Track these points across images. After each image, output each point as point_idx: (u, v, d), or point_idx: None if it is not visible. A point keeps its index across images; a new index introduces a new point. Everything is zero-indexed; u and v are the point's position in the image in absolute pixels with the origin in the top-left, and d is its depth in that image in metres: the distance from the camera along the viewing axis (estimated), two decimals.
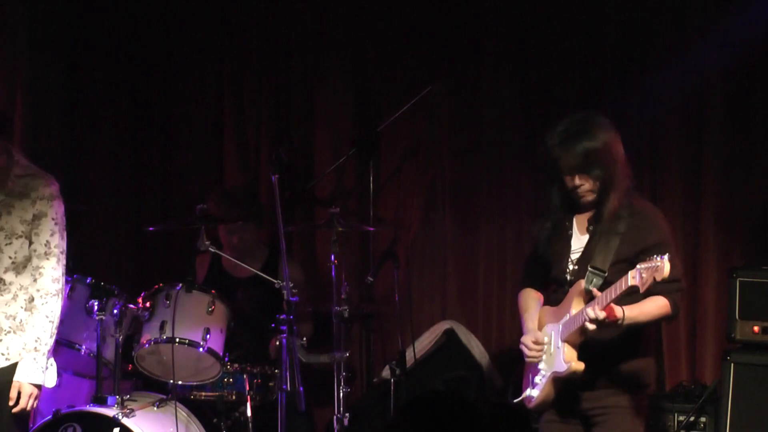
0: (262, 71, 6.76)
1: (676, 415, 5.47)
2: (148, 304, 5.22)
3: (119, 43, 6.86)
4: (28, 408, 4.54)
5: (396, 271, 5.67)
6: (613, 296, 4.21)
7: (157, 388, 5.43)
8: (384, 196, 6.54)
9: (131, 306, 5.18)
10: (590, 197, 4.45)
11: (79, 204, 6.12)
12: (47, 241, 4.55)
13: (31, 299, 4.55)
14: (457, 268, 6.47)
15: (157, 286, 5.28)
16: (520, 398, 4.54)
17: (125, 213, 6.79)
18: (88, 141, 6.85)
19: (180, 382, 5.29)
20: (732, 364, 5.22)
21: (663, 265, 4.05)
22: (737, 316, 5.28)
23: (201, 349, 5.19)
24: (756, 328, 5.24)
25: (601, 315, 4.21)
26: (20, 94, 6.43)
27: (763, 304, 5.25)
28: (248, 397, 5.39)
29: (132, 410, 5.04)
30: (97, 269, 5.62)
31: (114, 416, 4.97)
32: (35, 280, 4.55)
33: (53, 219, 4.57)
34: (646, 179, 5.95)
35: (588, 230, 4.48)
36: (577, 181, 4.41)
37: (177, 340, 5.15)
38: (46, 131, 6.60)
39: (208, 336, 5.20)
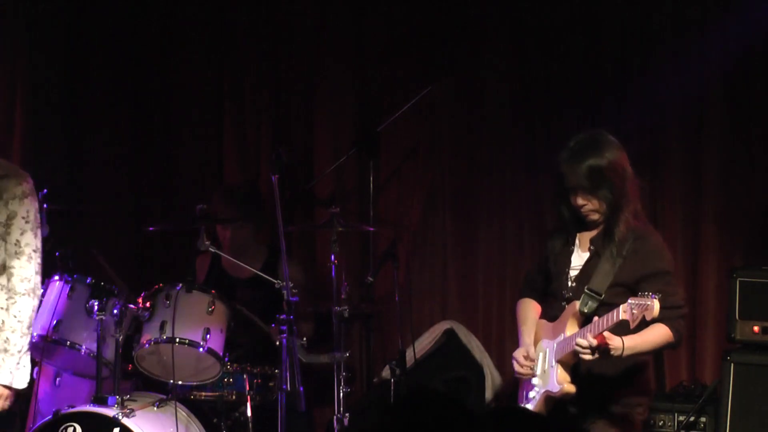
0: (262, 71, 6.75)
1: (676, 415, 5.47)
2: (148, 304, 5.21)
3: (119, 43, 6.85)
4: None
5: (396, 271, 5.65)
6: (604, 327, 4.20)
7: (157, 388, 5.42)
8: (384, 196, 6.53)
9: (131, 306, 5.17)
10: (595, 217, 4.43)
11: (79, 204, 6.13)
12: (17, 240, 4.49)
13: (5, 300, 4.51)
14: (457, 268, 6.46)
15: (157, 286, 5.27)
16: None
17: (125, 213, 6.78)
18: (88, 141, 6.83)
19: (180, 382, 5.27)
20: (732, 364, 5.23)
21: (653, 305, 4.06)
22: (737, 316, 5.28)
23: (201, 349, 5.18)
24: (756, 328, 5.24)
25: (594, 342, 4.20)
26: (20, 95, 6.42)
27: (763, 304, 5.25)
28: (248, 397, 5.39)
29: (132, 410, 5.03)
30: (97, 269, 5.61)
31: (114, 416, 4.96)
32: (8, 281, 4.49)
33: (23, 218, 4.49)
34: (646, 179, 5.93)
35: (589, 249, 4.46)
36: (580, 200, 4.40)
37: (177, 340, 5.14)
38: (46, 132, 6.58)
39: (208, 336, 5.19)
